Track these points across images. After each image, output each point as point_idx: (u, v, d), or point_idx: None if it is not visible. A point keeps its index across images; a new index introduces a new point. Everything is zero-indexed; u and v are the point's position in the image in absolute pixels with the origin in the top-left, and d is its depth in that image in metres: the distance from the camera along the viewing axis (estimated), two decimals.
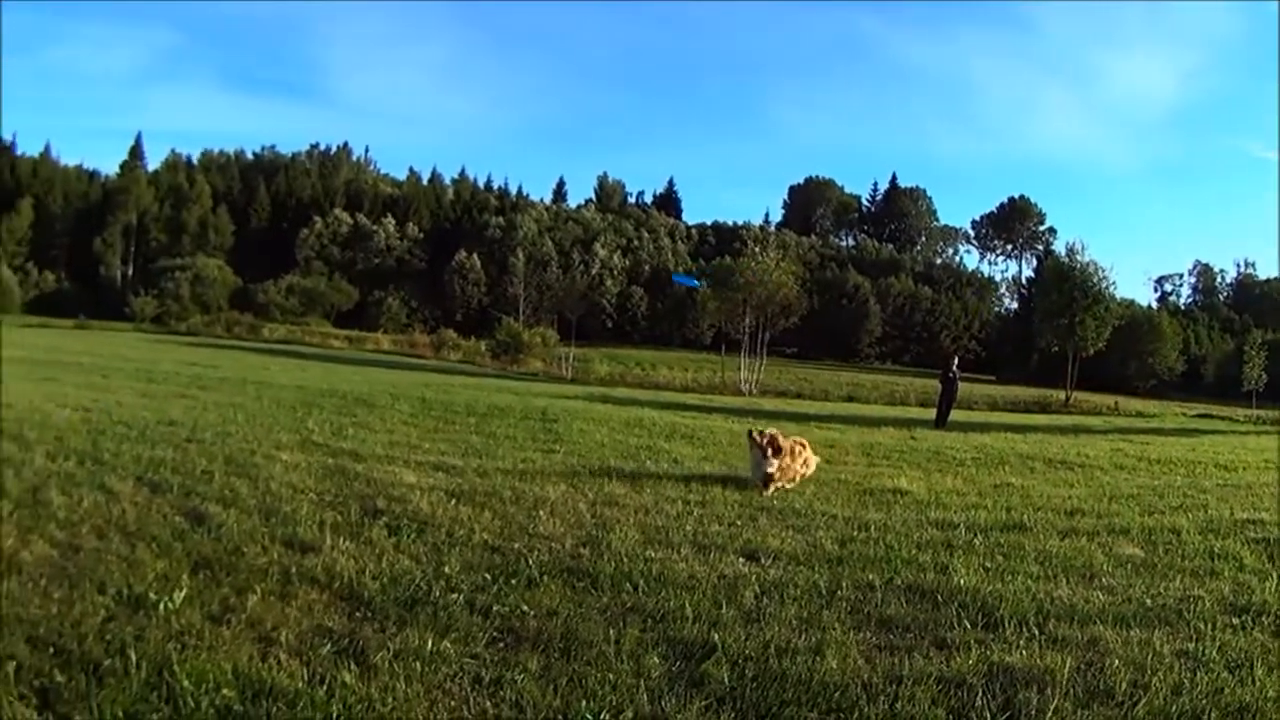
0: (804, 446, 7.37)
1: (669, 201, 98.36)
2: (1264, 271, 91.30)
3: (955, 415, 18.97)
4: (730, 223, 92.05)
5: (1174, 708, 3.00)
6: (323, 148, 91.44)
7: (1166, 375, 63.98)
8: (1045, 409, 33.39)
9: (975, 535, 5.62)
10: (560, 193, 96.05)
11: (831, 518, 6.03)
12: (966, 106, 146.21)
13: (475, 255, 73.90)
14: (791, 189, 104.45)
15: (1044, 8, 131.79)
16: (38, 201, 68.65)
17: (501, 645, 3.31)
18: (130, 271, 71.11)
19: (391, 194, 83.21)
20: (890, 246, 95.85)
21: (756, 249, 40.30)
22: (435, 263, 75.00)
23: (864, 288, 78.08)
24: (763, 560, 4.73)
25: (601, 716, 2.78)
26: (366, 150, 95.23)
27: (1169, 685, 3.17)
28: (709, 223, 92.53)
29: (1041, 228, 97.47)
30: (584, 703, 2.85)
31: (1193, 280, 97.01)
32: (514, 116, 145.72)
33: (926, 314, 79.88)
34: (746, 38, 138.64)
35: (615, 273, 77.38)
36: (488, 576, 4.12)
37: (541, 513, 5.60)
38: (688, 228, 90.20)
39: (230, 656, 3.00)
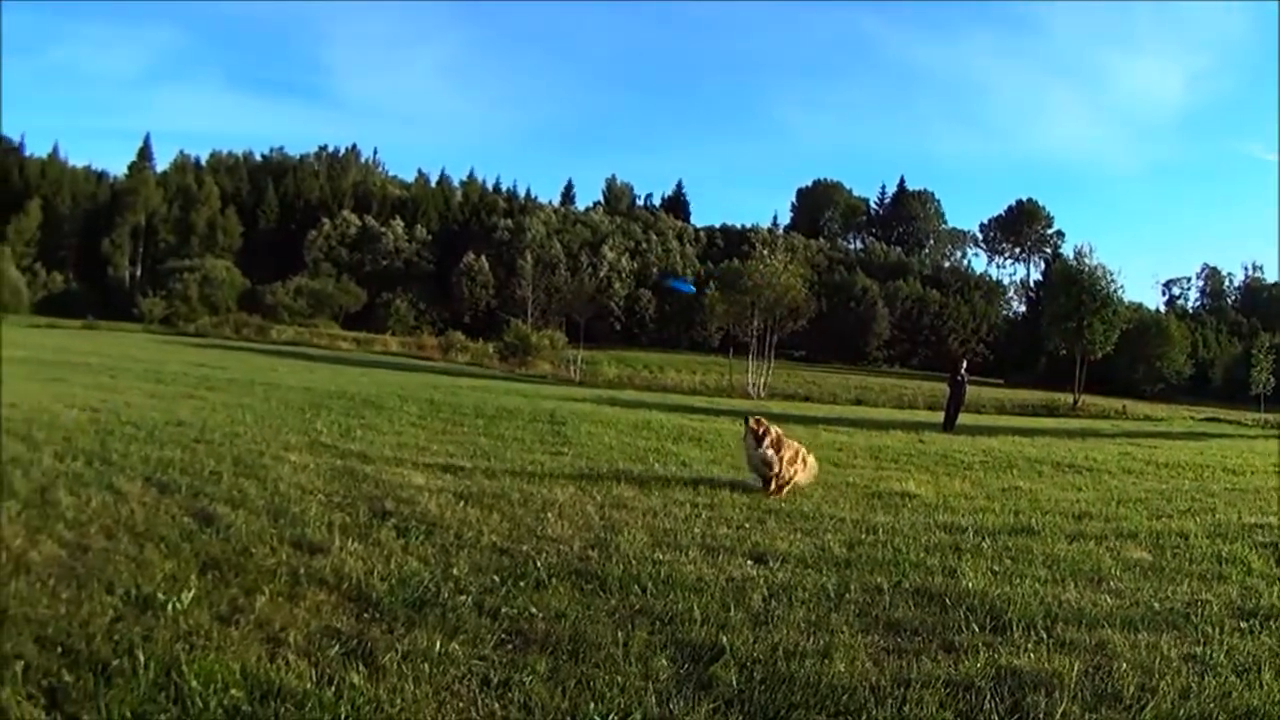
0: (801, 453, 7.33)
1: (677, 204, 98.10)
2: (1271, 275, 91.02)
3: (963, 418, 18.97)
4: (738, 225, 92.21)
5: (1182, 711, 2.98)
6: (331, 149, 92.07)
7: (1174, 379, 63.64)
8: (1053, 412, 33.30)
9: (983, 538, 5.60)
10: (568, 195, 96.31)
11: (839, 521, 6.01)
12: (974, 108, 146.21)
13: (483, 257, 73.97)
14: (799, 192, 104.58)
15: (1051, 9, 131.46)
16: (46, 202, 69.12)
17: (510, 647, 3.31)
18: (138, 272, 71.60)
19: (400, 196, 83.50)
20: (898, 249, 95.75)
21: (765, 251, 40.41)
22: (443, 265, 75.14)
23: (872, 291, 77.94)
24: (771, 563, 4.71)
25: (609, 718, 2.77)
26: (375, 152, 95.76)
27: (1177, 689, 3.15)
28: (717, 225, 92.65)
29: (1049, 231, 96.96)
30: (592, 705, 2.84)
31: (1200, 284, 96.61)
32: (523, 118, 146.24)
33: (935, 317, 79.66)
34: (755, 39, 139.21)
35: (623, 275, 77.39)
36: (496, 578, 4.11)
37: (550, 515, 5.59)
38: (696, 230, 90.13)
39: (238, 657, 3.00)
